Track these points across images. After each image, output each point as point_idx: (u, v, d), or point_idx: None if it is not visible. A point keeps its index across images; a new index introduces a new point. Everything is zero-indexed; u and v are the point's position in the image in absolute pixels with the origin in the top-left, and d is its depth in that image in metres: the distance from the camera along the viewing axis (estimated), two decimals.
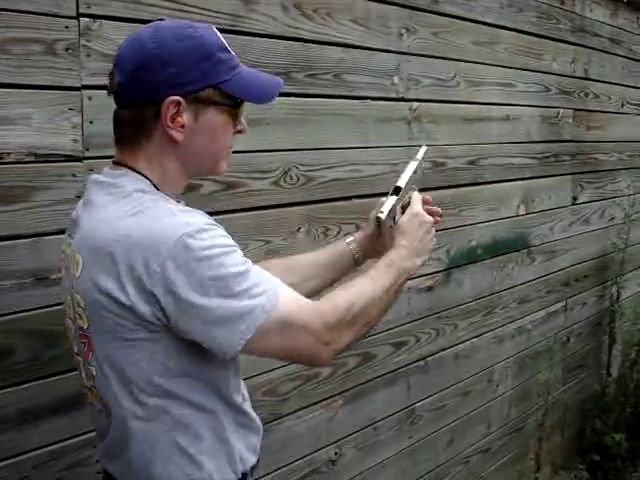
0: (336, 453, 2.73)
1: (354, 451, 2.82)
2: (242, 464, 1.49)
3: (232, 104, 1.44)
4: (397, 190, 1.62)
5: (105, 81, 1.81)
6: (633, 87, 4.79)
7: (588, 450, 4.45)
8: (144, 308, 1.30)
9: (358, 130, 2.66)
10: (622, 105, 4.66)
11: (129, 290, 1.30)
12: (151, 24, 1.43)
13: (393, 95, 2.80)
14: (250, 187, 2.28)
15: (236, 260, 1.35)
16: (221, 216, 2.17)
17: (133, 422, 1.40)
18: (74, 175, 1.80)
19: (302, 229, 2.47)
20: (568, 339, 4.31)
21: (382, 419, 2.93)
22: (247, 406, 1.54)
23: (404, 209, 1.68)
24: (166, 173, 1.43)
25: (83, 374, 1.48)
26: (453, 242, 3.21)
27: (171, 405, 1.39)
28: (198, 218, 1.34)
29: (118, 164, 1.44)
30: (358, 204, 2.67)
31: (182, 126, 1.39)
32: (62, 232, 1.74)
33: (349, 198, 2.64)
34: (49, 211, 1.76)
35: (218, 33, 1.44)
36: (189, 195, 1.85)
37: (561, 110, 3.93)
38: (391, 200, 1.61)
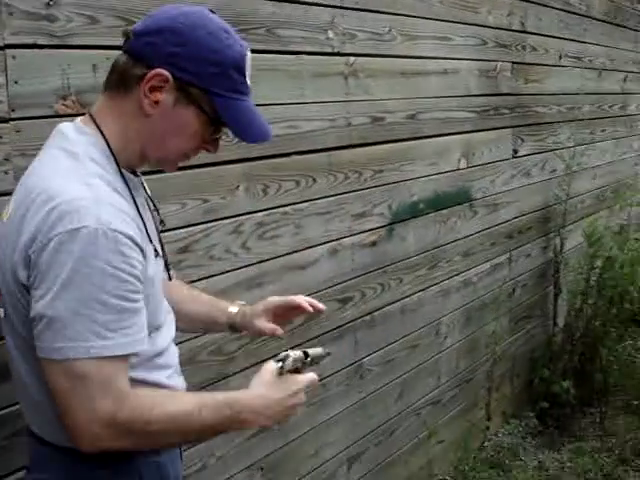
0: None
1: (304, 408, 2.82)
2: None
3: (213, 118, 1.42)
4: (305, 354, 1.58)
5: (30, 40, 1.80)
6: (570, 40, 4.84)
7: (537, 399, 4.54)
8: (22, 273, 1.29)
9: (294, 86, 2.63)
10: (560, 58, 4.71)
11: (20, 247, 1.28)
12: (201, 7, 1.46)
13: (328, 50, 2.78)
14: None
15: (113, 288, 1.26)
16: (156, 175, 2.14)
17: (30, 377, 1.38)
18: (0, 137, 1.75)
19: (241, 187, 2.45)
20: (514, 290, 4.38)
21: (330, 375, 2.95)
22: (166, 378, 1.49)
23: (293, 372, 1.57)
24: (127, 140, 1.42)
25: None
26: (394, 197, 3.22)
27: None
28: (114, 220, 1.28)
29: (91, 117, 1.43)
30: (297, 160, 2.65)
31: (156, 102, 1.39)
32: None
33: (288, 155, 2.62)
34: None
35: (248, 57, 1.47)
36: None
37: (499, 63, 3.95)
38: (298, 354, 1.55)
